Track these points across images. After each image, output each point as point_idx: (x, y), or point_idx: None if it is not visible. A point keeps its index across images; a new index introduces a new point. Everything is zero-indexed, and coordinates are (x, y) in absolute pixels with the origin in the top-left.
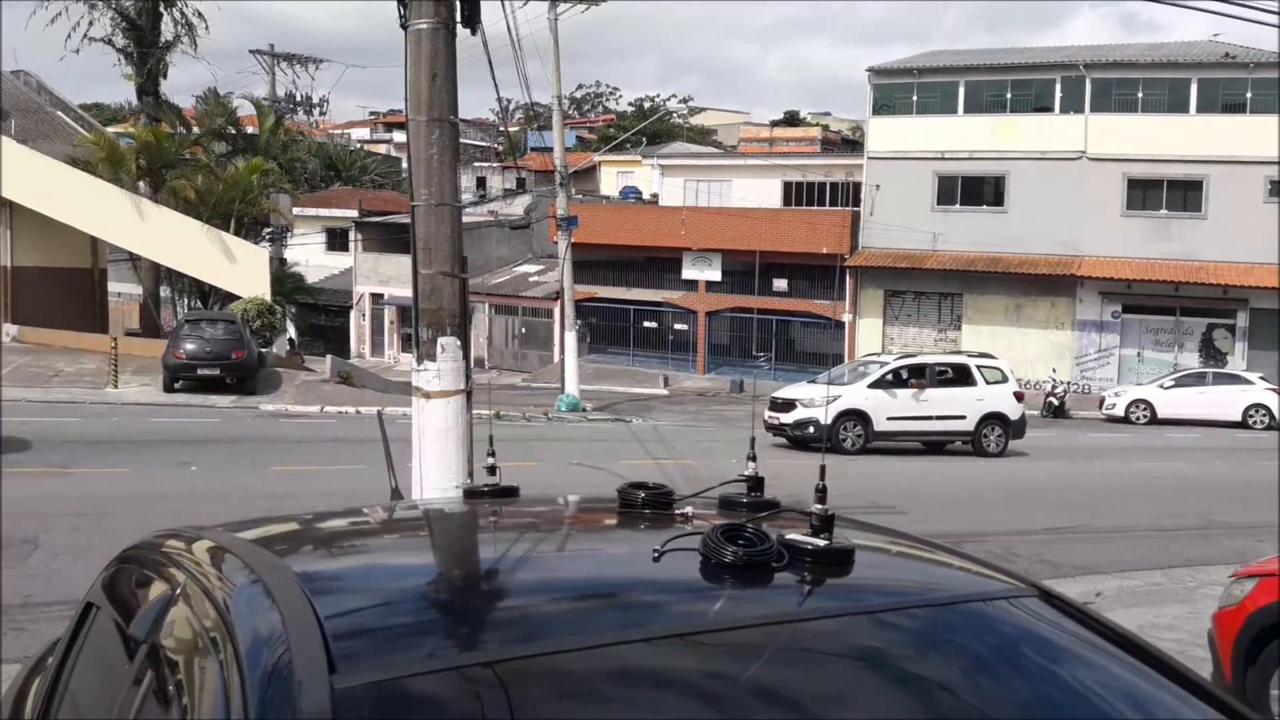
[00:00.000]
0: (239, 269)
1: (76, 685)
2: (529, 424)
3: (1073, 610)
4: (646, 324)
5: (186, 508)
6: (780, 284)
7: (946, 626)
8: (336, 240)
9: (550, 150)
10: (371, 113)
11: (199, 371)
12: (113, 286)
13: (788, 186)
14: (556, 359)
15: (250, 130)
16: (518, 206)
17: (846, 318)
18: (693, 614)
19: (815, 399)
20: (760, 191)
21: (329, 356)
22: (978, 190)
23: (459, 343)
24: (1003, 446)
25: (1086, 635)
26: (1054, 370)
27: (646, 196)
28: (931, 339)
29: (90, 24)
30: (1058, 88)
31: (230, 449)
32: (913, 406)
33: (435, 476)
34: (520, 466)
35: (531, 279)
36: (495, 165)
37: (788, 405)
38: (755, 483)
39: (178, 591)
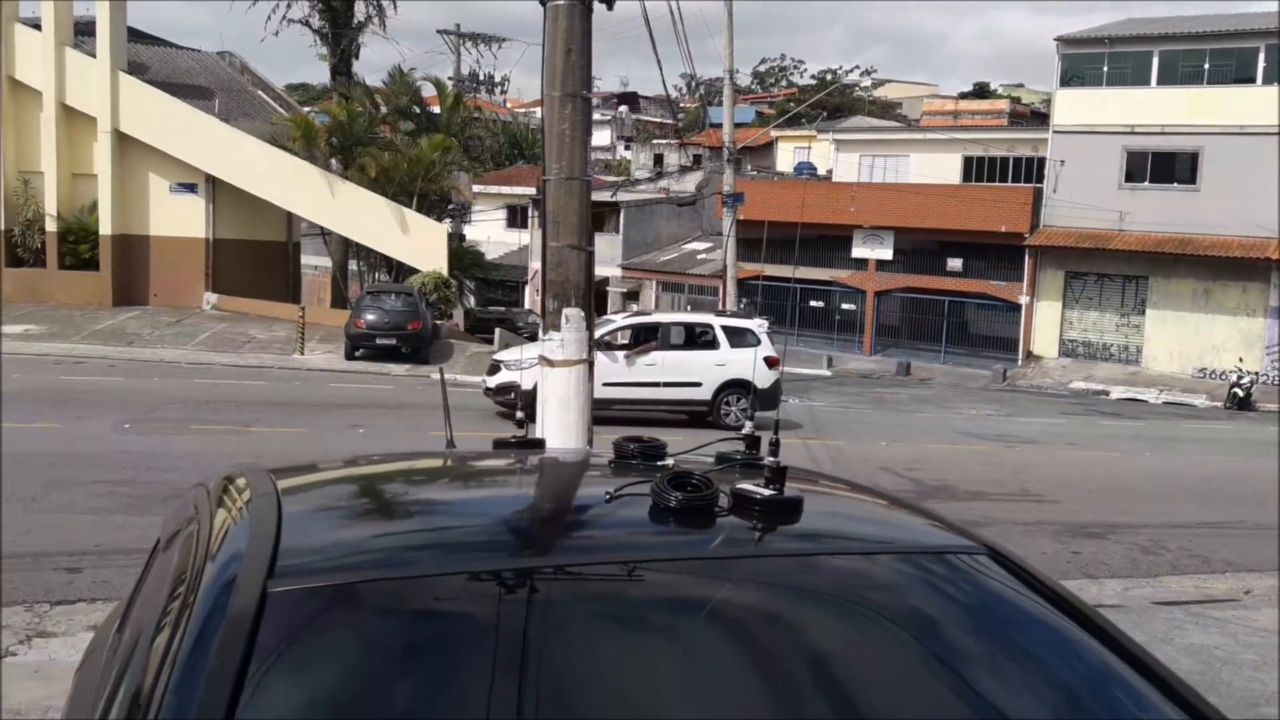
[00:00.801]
0: (419, 244)
1: (137, 604)
2: None
3: (1021, 571)
4: (813, 303)
5: None
6: (955, 264)
7: (878, 575)
8: (516, 217)
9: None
10: None
11: (377, 341)
12: (306, 259)
13: (968, 162)
14: None
15: (435, 110)
16: (691, 183)
17: (1024, 300)
18: (624, 547)
19: (525, 360)
20: (938, 167)
21: (498, 329)
22: (1168, 167)
23: (583, 314)
24: (745, 419)
25: (1027, 596)
26: (1240, 360)
27: (822, 173)
28: (1113, 323)
29: (289, 6)
30: (1260, 57)
31: (398, 414)
32: (639, 372)
33: (555, 443)
34: (668, 437)
35: (700, 256)
36: (673, 142)
37: (494, 368)
38: (752, 441)
39: (194, 516)
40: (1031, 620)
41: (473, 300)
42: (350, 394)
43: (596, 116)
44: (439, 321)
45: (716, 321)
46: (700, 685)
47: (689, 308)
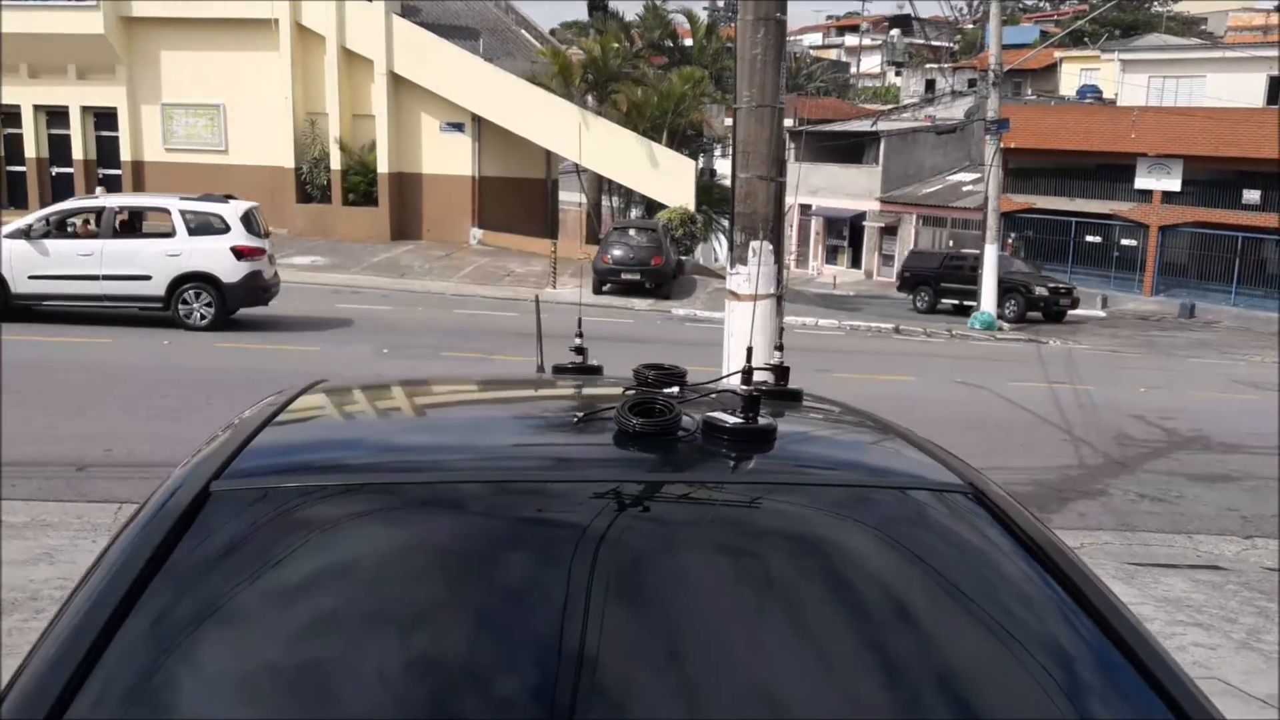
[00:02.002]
0: (667, 179)
1: None
2: (927, 340)
3: (1003, 516)
4: (1089, 238)
5: None
6: (1252, 196)
7: (834, 508)
8: None
9: (1009, 48)
10: (829, 16)
11: (623, 276)
12: (563, 196)
13: (1274, 83)
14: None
15: (688, 43)
16: (961, 110)
17: None
18: (563, 467)
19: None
20: (1239, 89)
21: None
22: None
23: (771, 247)
24: (211, 318)
25: (998, 543)
26: None
27: (1109, 96)
28: None
29: None
30: None
31: (631, 347)
32: (74, 263)
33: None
34: (895, 379)
35: (965, 188)
36: (946, 66)
37: None
38: (781, 371)
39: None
40: (993, 568)
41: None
42: (590, 326)
43: (867, 41)
44: (683, 257)
45: (175, 205)
46: (602, 604)
47: (950, 243)
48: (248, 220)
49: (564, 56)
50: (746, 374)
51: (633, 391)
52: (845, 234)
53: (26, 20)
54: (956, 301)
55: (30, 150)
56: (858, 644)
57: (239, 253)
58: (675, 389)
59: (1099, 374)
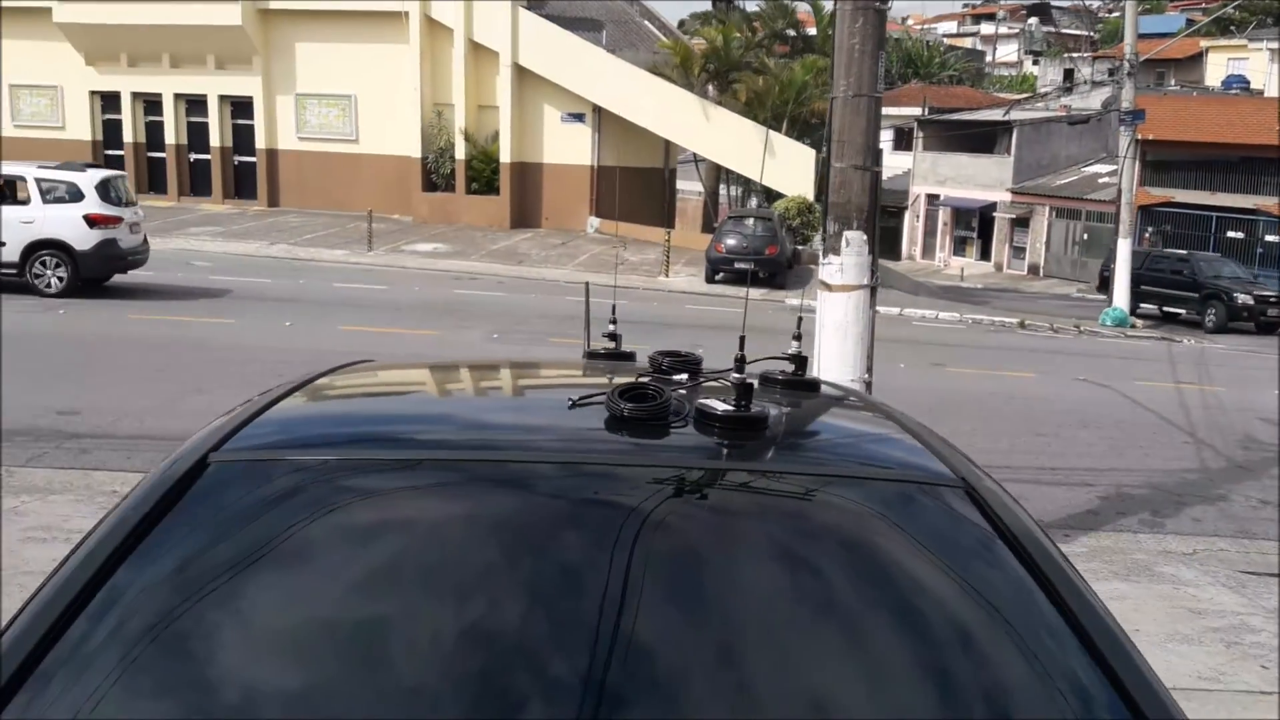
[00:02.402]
0: (786, 168)
1: None
2: (1054, 336)
3: (994, 516)
4: (1230, 234)
5: None
6: None
7: (812, 498)
8: (903, 139)
9: (1152, 37)
10: (965, 4)
11: (735, 265)
12: (681, 185)
13: None
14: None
15: (811, 32)
16: (1099, 99)
17: None
18: (550, 449)
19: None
20: None
21: None
22: None
23: (865, 237)
24: (64, 285)
25: (983, 543)
26: None
27: (1257, 87)
28: None
29: None
30: None
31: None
32: None
33: (832, 369)
34: (1013, 375)
35: (1101, 180)
36: (1085, 54)
37: None
38: (799, 360)
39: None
40: (967, 563)
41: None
42: (700, 315)
43: (1003, 30)
44: (799, 247)
45: (31, 174)
46: (564, 583)
47: (1084, 236)
48: (104, 189)
49: (685, 47)
50: (739, 362)
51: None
52: (974, 225)
53: (169, 11)
54: (1158, 307)
55: (170, 137)
56: (811, 632)
57: (91, 221)
58: (683, 375)
59: (1232, 375)
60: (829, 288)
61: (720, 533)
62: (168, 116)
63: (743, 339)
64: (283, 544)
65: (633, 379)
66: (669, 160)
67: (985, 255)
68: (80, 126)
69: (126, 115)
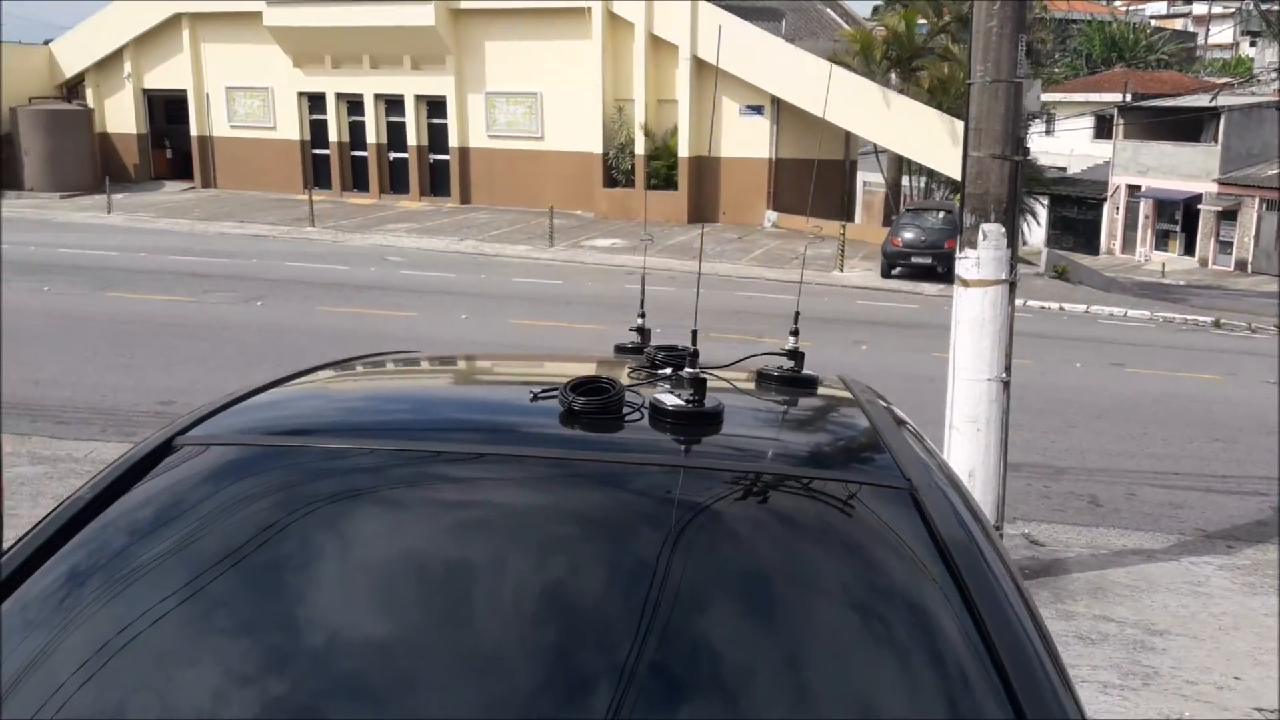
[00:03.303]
0: None
1: None
2: (1250, 336)
3: (925, 514)
4: None
5: None
6: None
7: (752, 495)
8: (1105, 127)
9: None
10: None
11: (913, 259)
12: (863, 176)
13: None
14: None
15: None
16: None
17: None
18: (499, 441)
19: None
20: None
21: (1044, 249)
22: None
23: (1003, 230)
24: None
25: (907, 538)
26: None
27: None
28: None
29: None
30: None
31: (911, 334)
32: None
33: (967, 367)
34: (1198, 377)
35: None
36: None
37: None
38: (795, 356)
39: None
40: (889, 575)
41: (1039, 219)
42: (872, 311)
43: (1217, 9)
44: None
45: None
46: (484, 572)
47: None
48: None
49: (866, 33)
50: (693, 356)
51: (637, 372)
52: (1178, 218)
53: (368, 13)
54: None
55: (371, 136)
56: (696, 629)
57: None
58: (670, 369)
59: None
60: (965, 283)
61: (637, 528)
62: (369, 116)
63: (695, 333)
64: (227, 524)
65: (591, 373)
66: (850, 152)
67: (1189, 250)
68: (290, 126)
69: (331, 115)
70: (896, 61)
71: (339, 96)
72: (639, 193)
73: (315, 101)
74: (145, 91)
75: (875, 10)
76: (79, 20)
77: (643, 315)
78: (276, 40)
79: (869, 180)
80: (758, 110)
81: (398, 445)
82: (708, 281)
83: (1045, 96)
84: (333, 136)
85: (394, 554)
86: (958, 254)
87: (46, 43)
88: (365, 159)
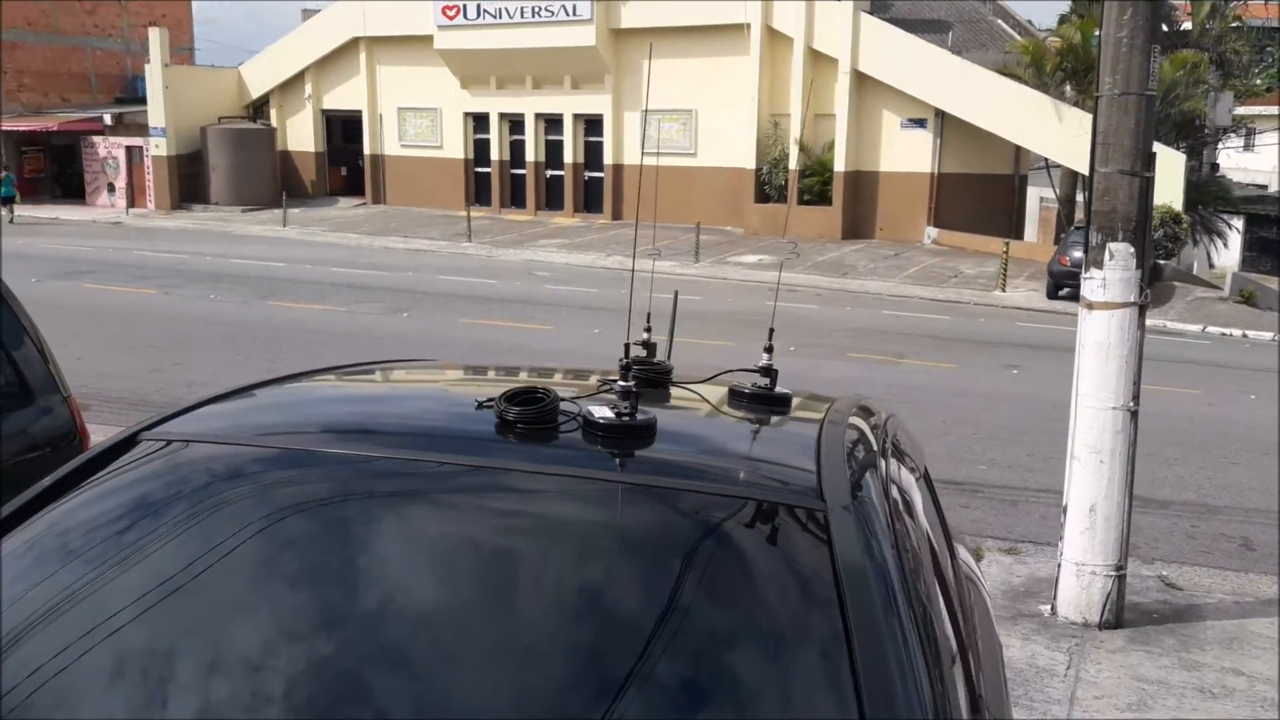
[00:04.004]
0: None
1: None
2: None
3: (828, 536)
4: None
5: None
6: None
7: (657, 511)
8: None
9: None
10: None
11: (1081, 280)
12: (1034, 192)
13: None
14: None
15: (1186, 25)
16: None
17: None
18: (428, 449)
19: None
20: None
21: (1231, 272)
22: None
23: (1132, 250)
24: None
25: (804, 559)
26: None
27: None
28: None
29: None
30: None
31: (1067, 359)
32: None
33: (1090, 394)
34: None
35: None
36: None
37: None
38: (767, 373)
39: None
40: (771, 597)
41: (1231, 239)
42: (1031, 334)
43: None
44: (1161, 261)
45: None
46: (387, 579)
47: None
48: None
49: (1038, 45)
50: (625, 368)
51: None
52: None
53: (532, 35)
54: None
55: (530, 155)
56: (574, 641)
57: None
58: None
59: None
60: (1090, 305)
61: (537, 538)
62: (529, 135)
63: (626, 346)
64: (161, 515)
65: (527, 384)
66: (1019, 166)
67: None
68: (455, 145)
69: (494, 135)
70: (1071, 74)
71: (501, 116)
72: (791, 208)
73: (479, 121)
74: (324, 112)
75: (1061, 20)
76: (268, 45)
77: (648, 329)
78: (446, 63)
79: (1046, 196)
80: (920, 124)
81: (335, 449)
82: (857, 299)
83: (1244, 109)
84: (494, 155)
85: (284, 551)
86: (1083, 274)
87: (237, 66)
88: (524, 176)
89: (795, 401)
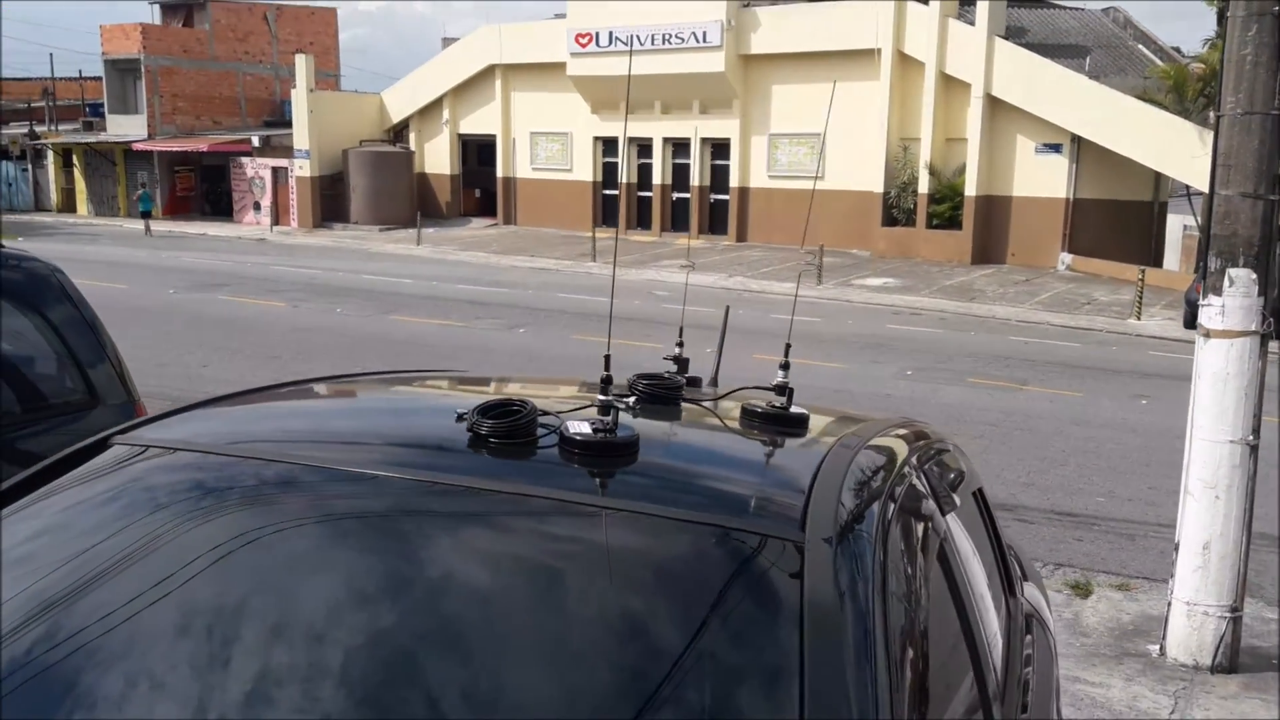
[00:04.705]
0: None
1: None
2: None
3: (799, 571)
4: None
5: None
6: None
7: (629, 537)
8: None
9: None
10: None
11: (1198, 306)
12: (1176, 219)
13: None
14: None
15: None
16: None
17: None
18: (396, 463)
19: None
20: None
21: None
22: None
23: (1254, 276)
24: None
25: (766, 601)
26: None
27: None
28: None
29: None
30: None
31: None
32: None
33: (1206, 427)
34: None
35: None
36: None
37: None
38: (782, 390)
39: None
40: (730, 629)
41: None
42: (1164, 364)
43: None
44: None
45: None
46: (343, 592)
47: None
48: None
49: (1181, 70)
50: (604, 382)
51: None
52: None
53: (664, 62)
54: None
55: (656, 178)
56: (505, 673)
57: None
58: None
59: None
60: (1207, 333)
61: (496, 557)
62: (656, 158)
63: (607, 358)
64: (110, 520)
65: (505, 396)
66: (1159, 193)
67: None
68: (584, 169)
69: (622, 158)
70: (1213, 99)
71: (630, 141)
72: (919, 232)
73: (609, 146)
74: (460, 136)
75: (1207, 44)
76: (409, 71)
77: (680, 344)
78: (578, 89)
79: (1189, 224)
80: (1055, 149)
81: (295, 460)
82: (984, 325)
83: None
84: (622, 178)
85: (214, 565)
86: (1200, 300)
87: (379, 92)
88: (650, 199)
89: (813, 422)
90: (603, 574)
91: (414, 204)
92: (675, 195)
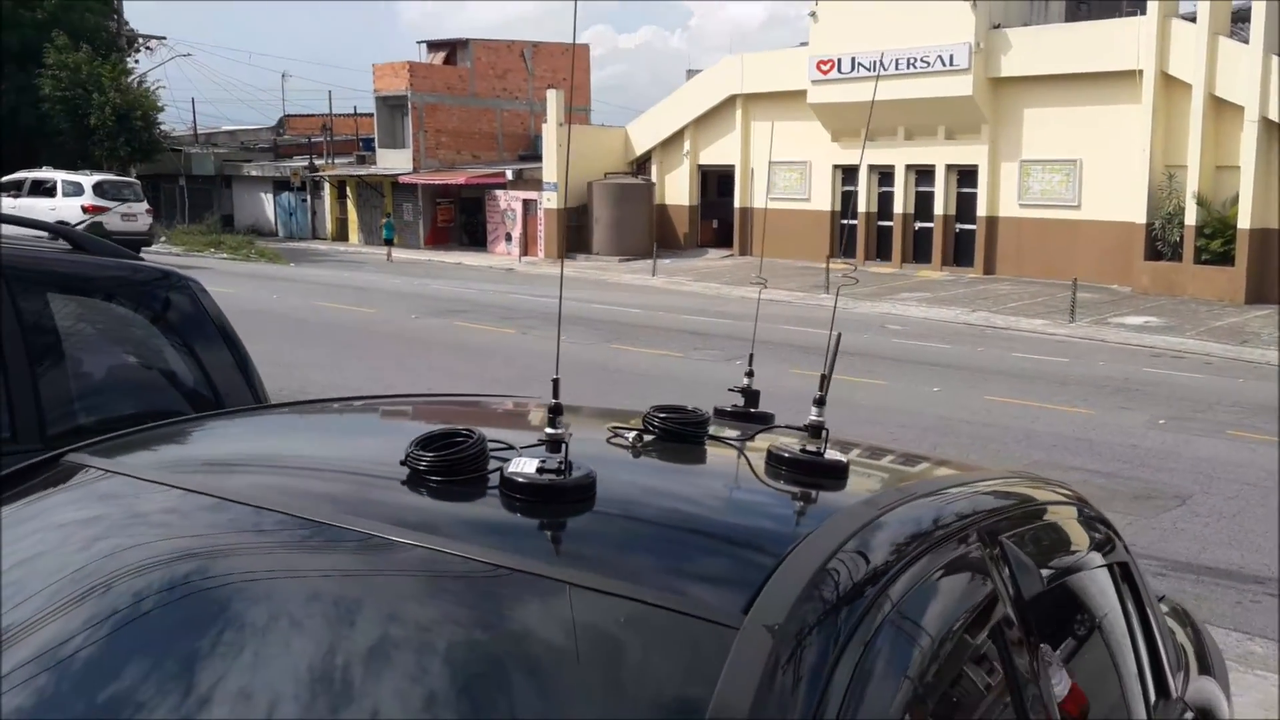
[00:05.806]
0: None
1: None
2: None
3: (721, 658)
4: None
5: None
6: None
7: (537, 609)
8: None
9: None
10: None
11: None
12: None
13: None
14: None
15: None
16: None
17: None
18: (312, 499)
19: None
20: None
21: None
22: None
23: None
24: None
25: (664, 703)
26: None
27: None
28: None
29: None
30: None
31: None
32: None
33: None
34: None
35: None
36: None
37: None
38: (817, 433)
39: None
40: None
41: None
42: None
43: None
44: None
45: (59, 177)
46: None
47: None
48: (100, 188)
49: None
50: (554, 410)
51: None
52: None
53: (908, 87)
54: None
55: (898, 206)
56: None
57: (84, 209)
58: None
59: None
60: None
61: (366, 630)
62: (897, 186)
63: (555, 382)
64: (41, 540)
65: (451, 427)
66: None
67: None
68: (822, 198)
69: (862, 186)
70: None
71: (871, 168)
72: (1186, 267)
73: (848, 174)
74: (699, 167)
75: None
76: (653, 105)
77: (750, 374)
78: (818, 116)
79: None
80: None
81: (222, 492)
82: (1255, 370)
83: None
84: (861, 207)
85: (111, 590)
86: None
87: (625, 126)
88: (890, 228)
89: (860, 472)
90: (502, 655)
91: (652, 235)
92: (918, 225)
